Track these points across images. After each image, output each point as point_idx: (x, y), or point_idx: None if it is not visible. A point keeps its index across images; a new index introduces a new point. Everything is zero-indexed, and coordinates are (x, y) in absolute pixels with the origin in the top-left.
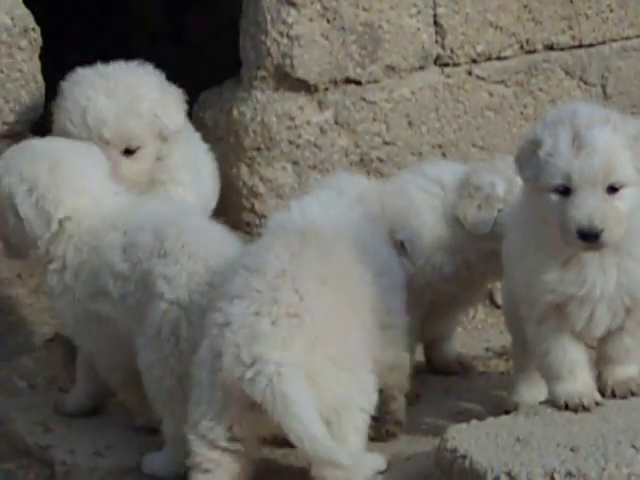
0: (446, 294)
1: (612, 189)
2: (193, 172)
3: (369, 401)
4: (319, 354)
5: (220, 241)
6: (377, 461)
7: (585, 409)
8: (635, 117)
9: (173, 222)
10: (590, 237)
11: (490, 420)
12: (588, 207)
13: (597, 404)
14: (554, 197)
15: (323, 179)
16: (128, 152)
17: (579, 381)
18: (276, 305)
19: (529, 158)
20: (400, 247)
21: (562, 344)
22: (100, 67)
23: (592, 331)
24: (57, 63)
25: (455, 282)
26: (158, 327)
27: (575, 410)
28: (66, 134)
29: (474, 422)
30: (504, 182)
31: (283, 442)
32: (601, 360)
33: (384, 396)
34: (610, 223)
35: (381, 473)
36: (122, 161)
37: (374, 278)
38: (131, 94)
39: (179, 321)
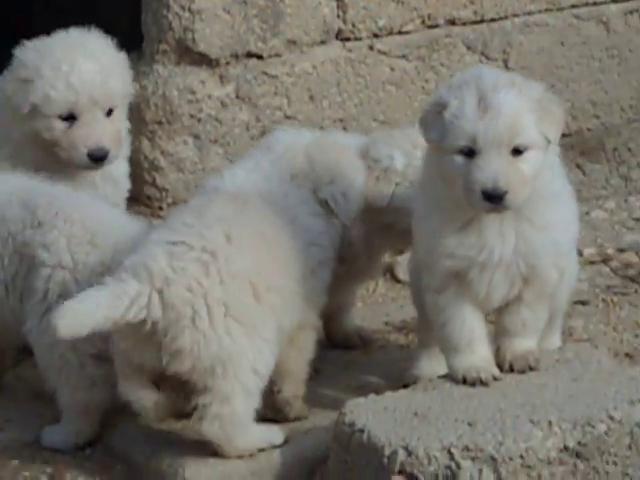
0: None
1: (517, 151)
2: (126, 139)
3: (264, 365)
4: (215, 298)
5: (93, 204)
6: (273, 435)
7: (483, 384)
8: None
9: (42, 192)
10: (494, 198)
11: (388, 394)
12: (493, 169)
13: (495, 379)
14: (459, 159)
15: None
16: (108, 113)
17: (477, 355)
18: (200, 239)
19: (434, 120)
20: (325, 206)
21: (461, 315)
22: (62, 35)
23: (490, 300)
24: None
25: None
26: (44, 292)
27: (473, 384)
28: (43, 103)
29: (372, 396)
30: (403, 155)
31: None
32: (499, 333)
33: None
34: (514, 185)
35: (278, 447)
36: (106, 122)
37: (301, 247)
38: (107, 56)
39: (66, 282)
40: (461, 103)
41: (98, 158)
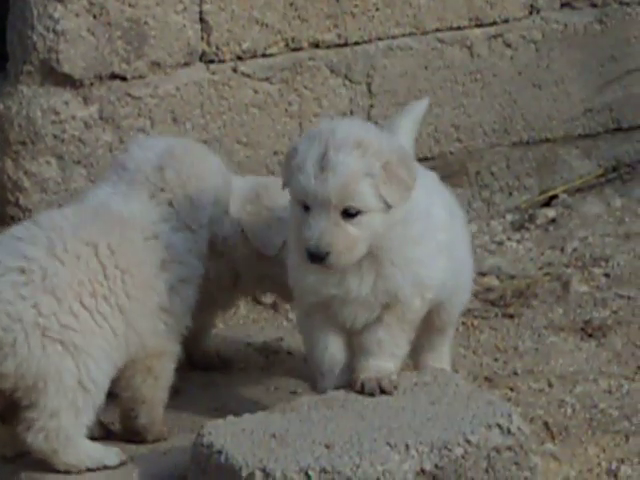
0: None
1: (348, 214)
2: None
3: (91, 380)
4: (31, 322)
5: None
6: (106, 455)
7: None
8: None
9: None
10: (316, 258)
11: (246, 416)
12: (318, 228)
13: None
14: (298, 210)
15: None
16: None
17: (338, 379)
18: (19, 258)
19: (286, 166)
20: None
21: (325, 341)
22: None
23: (354, 326)
24: None
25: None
26: None
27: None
28: None
29: (230, 418)
30: None
31: None
32: (357, 353)
33: (125, 405)
34: (338, 247)
35: (113, 468)
36: None
37: (156, 263)
38: None
39: None
40: (304, 156)
41: None
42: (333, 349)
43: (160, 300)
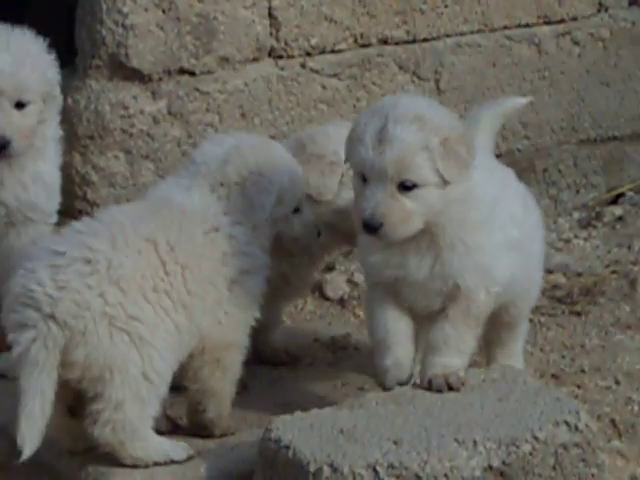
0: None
1: (404, 187)
2: (57, 148)
3: (155, 372)
4: (98, 310)
5: None
6: (174, 450)
7: (385, 389)
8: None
9: None
10: (370, 229)
11: (315, 412)
12: (374, 200)
13: (402, 384)
14: (357, 181)
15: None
16: (19, 105)
17: (392, 357)
18: (83, 249)
19: (349, 139)
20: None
21: (384, 313)
22: None
23: (416, 309)
24: None
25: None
26: None
27: (384, 388)
28: None
29: (298, 413)
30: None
31: None
32: (425, 350)
33: (193, 399)
34: (392, 219)
35: (180, 463)
36: (14, 113)
37: (217, 257)
38: (25, 50)
39: None
40: (364, 129)
41: None
42: (392, 326)
43: (222, 293)
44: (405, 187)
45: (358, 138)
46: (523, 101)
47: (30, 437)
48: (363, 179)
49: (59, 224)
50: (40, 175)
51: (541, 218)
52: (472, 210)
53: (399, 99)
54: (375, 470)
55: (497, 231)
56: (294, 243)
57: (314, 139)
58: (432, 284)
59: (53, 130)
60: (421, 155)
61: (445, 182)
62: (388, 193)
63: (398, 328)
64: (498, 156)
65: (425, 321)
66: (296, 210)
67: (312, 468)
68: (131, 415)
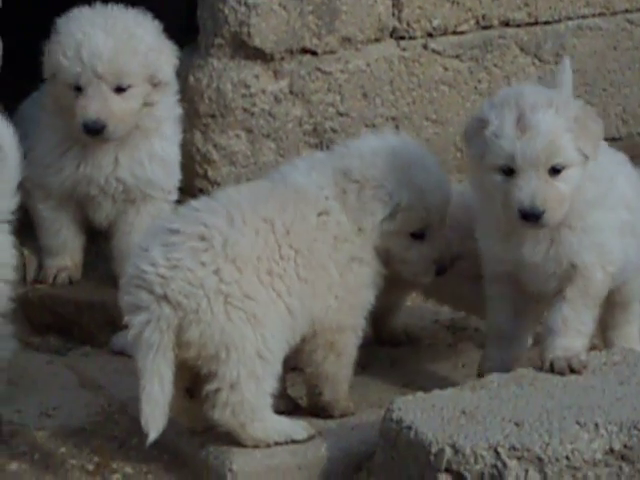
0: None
1: (554, 171)
2: (175, 127)
3: (269, 350)
4: (213, 288)
5: None
6: (294, 429)
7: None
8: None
9: None
10: (531, 218)
11: (436, 392)
12: (530, 188)
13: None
14: (498, 177)
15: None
16: (119, 90)
17: (502, 350)
18: (198, 225)
19: (475, 137)
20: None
21: (500, 310)
22: (99, 7)
23: (540, 293)
24: None
25: None
26: None
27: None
28: (58, 70)
29: (420, 394)
30: None
31: None
32: (544, 333)
33: (309, 382)
34: (552, 204)
35: (301, 442)
36: (112, 97)
37: (328, 241)
38: (128, 33)
39: None
40: (501, 122)
41: (92, 130)
42: (506, 321)
43: (333, 277)
44: (555, 170)
45: (494, 134)
46: (567, 61)
47: (154, 420)
48: (505, 172)
49: (180, 202)
50: (155, 153)
51: None
52: (589, 188)
53: (523, 89)
54: (497, 451)
55: (612, 211)
56: (404, 267)
57: None
58: (548, 266)
59: (166, 111)
60: (565, 136)
61: (586, 159)
62: (543, 179)
63: (514, 329)
64: (618, 139)
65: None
66: (417, 236)
67: (434, 449)
68: (248, 394)
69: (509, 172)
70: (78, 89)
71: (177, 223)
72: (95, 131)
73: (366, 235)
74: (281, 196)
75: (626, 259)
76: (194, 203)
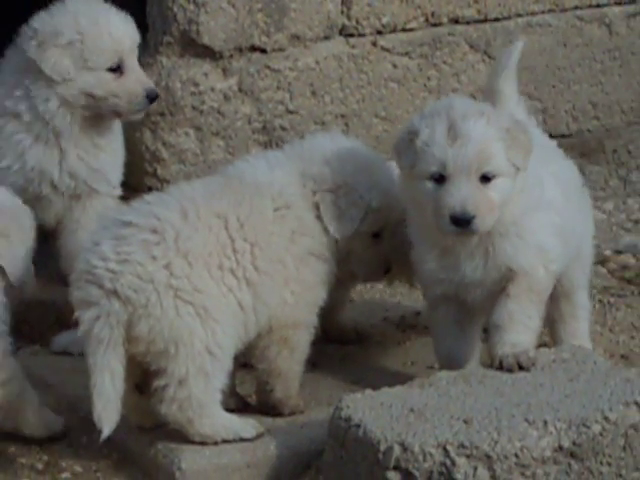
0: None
1: (485, 178)
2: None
3: (218, 346)
4: (163, 282)
5: None
6: (243, 427)
7: None
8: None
9: None
10: (462, 223)
11: (385, 390)
12: (461, 194)
13: None
14: (429, 184)
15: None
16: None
17: None
18: (151, 218)
19: (406, 147)
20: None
21: (446, 337)
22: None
23: (478, 303)
24: None
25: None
26: None
27: None
28: (93, 57)
29: (369, 392)
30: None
31: None
32: (490, 331)
33: (260, 378)
34: (482, 210)
35: (250, 440)
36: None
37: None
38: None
39: None
40: (432, 131)
41: (155, 96)
42: (453, 347)
43: (290, 272)
44: (486, 178)
45: (425, 143)
46: (520, 44)
47: (106, 415)
48: (436, 179)
49: (128, 200)
50: (106, 144)
51: (582, 187)
52: (523, 199)
53: (451, 100)
54: (445, 449)
55: (544, 212)
56: (359, 267)
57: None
58: (488, 277)
59: None
60: (497, 145)
61: (517, 170)
62: (474, 185)
63: (462, 352)
64: (568, 136)
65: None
66: (377, 236)
67: (382, 447)
68: (196, 390)
69: (440, 179)
70: (116, 69)
71: (130, 215)
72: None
73: (330, 241)
74: (236, 191)
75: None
76: (147, 197)
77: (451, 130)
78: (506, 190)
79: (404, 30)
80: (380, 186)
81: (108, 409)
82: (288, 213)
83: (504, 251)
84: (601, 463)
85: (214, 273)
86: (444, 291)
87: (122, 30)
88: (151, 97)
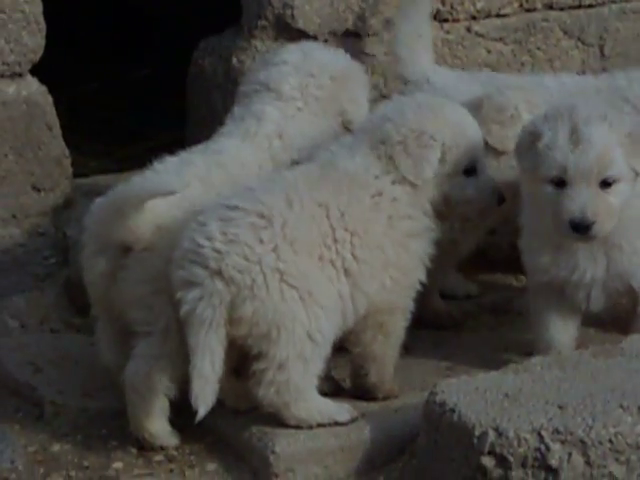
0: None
1: (605, 184)
2: None
3: (319, 332)
4: (269, 265)
5: None
6: (338, 411)
7: None
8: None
9: None
10: (582, 229)
11: (479, 375)
12: (581, 199)
13: None
14: (550, 188)
15: None
16: None
17: None
18: (257, 204)
19: (528, 149)
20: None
21: (547, 323)
22: None
23: (589, 309)
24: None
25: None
26: None
27: None
28: None
29: (463, 377)
30: (525, 104)
31: None
32: None
33: (355, 362)
34: (601, 216)
35: (344, 424)
36: None
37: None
38: None
39: None
40: (554, 134)
41: None
42: (552, 333)
43: (388, 257)
44: (606, 184)
45: (547, 146)
46: None
47: (204, 396)
48: (556, 183)
49: None
50: None
51: None
52: (637, 205)
53: (573, 103)
54: (540, 435)
55: None
56: (468, 207)
57: (491, 96)
58: (608, 284)
59: None
60: (617, 151)
61: (635, 176)
62: (593, 191)
63: (563, 342)
64: None
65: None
66: (470, 172)
67: (477, 432)
68: (294, 375)
69: (561, 184)
70: None
71: (235, 200)
72: None
73: (421, 195)
74: (333, 180)
75: None
76: (250, 184)
77: (573, 134)
78: (625, 194)
79: (498, 16)
80: (451, 123)
81: (206, 390)
82: (382, 199)
83: (620, 266)
84: None
85: (317, 263)
86: (550, 280)
87: None
88: None
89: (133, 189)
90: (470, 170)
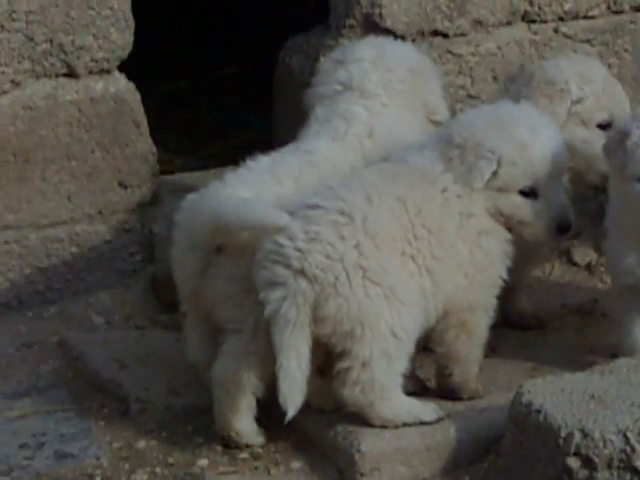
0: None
1: None
2: None
3: (403, 329)
4: (352, 262)
5: None
6: (423, 411)
7: None
8: None
9: None
10: None
11: (566, 376)
12: None
13: None
14: (638, 186)
15: None
16: None
17: None
18: (337, 201)
19: (617, 147)
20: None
21: (631, 326)
22: None
23: None
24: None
25: None
26: None
27: None
28: None
29: (549, 377)
30: (576, 80)
31: None
32: None
33: (439, 362)
34: None
35: (430, 424)
36: None
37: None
38: None
39: None
40: None
41: None
42: (637, 336)
43: (462, 255)
44: None
45: (637, 143)
46: None
47: (292, 396)
48: None
49: None
50: None
51: None
52: None
53: None
54: (626, 436)
55: None
56: (522, 228)
57: (544, 68)
58: None
59: None
60: None
61: None
62: None
63: None
64: None
65: None
66: (527, 194)
67: (563, 433)
68: (379, 374)
69: None
70: None
71: (315, 199)
72: None
73: (480, 195)
74: (407, 176)
75: None
76: (329, 182)
77: None
78: None
79: (586, 17)
80: (514, 140)
81: (294, 390)
82: (449, 195)
83: None
84: None
85: (398, 258)
86: (635, 283)
87: None
88: None
89: (240, 208)
90: (528, 192)
